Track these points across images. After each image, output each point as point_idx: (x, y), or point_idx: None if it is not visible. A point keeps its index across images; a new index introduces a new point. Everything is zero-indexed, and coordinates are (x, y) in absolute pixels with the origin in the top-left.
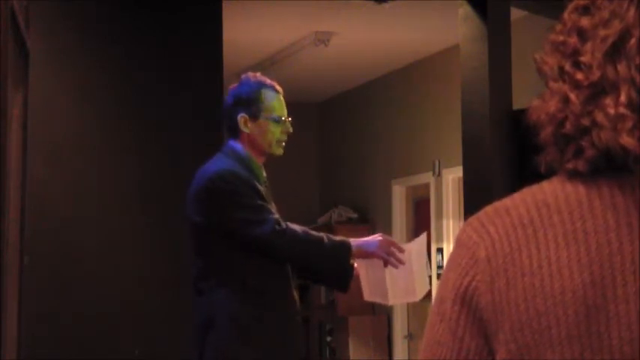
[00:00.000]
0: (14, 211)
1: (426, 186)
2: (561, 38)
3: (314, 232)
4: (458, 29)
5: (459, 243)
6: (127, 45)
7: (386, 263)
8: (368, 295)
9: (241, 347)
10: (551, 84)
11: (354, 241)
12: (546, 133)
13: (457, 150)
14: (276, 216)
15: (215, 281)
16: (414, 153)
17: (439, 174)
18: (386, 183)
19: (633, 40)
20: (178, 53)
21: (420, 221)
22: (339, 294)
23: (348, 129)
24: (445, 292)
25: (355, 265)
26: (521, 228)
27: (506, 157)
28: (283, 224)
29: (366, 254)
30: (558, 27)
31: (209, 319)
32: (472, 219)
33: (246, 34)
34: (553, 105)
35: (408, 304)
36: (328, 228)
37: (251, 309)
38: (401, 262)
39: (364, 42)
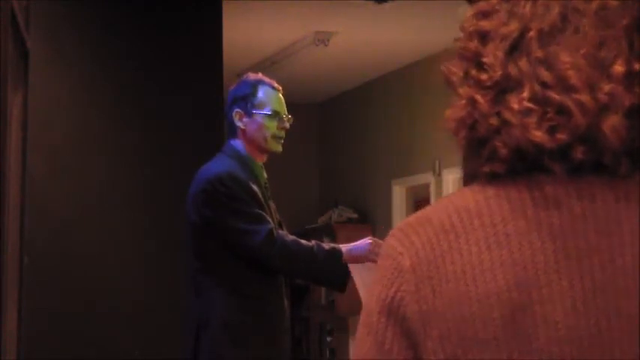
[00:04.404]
0: (14, 211)
1: (426, 186)
2: (463, 44)
3: (304, 242)
4: (458, 29)
5: (383, 255)
6: (127, 45)
7: None
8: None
9: (232, 350)
10: (459, 90)
11: (344, 247)
12: (460, 140)
13: (457, 150)
14: (271, 226)
15: (209, 283)
16: (414, 153)
17: (439, 174)
18: (386, 183)
19: (532, 34)
20: (178, 53)
21: None
22: (339, 295)
23: (348, 129)
24: (371, 304)
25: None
26: (444, 235)
27: None
28: (275, 234)
29: (356, 259)
30: (461, 35)
31: (201, 320)
32: (395, 230)
33: (246, 34)
34: (461, 110)
35: None
36: (328, 228)
37: (241, 314)
38: None
39: (364, 42)
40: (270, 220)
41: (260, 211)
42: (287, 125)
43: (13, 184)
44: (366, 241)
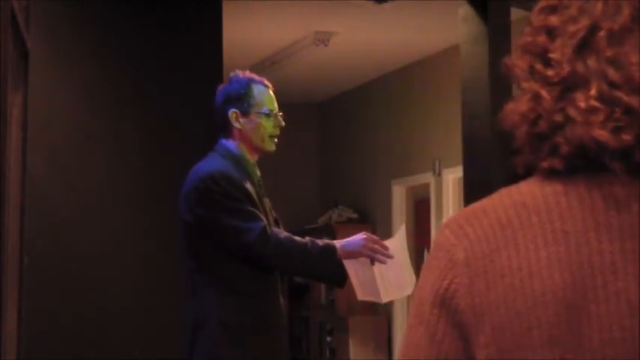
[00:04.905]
0: (14, 211)
1: (426, 186)
2: (530, 39)
3: (298, 239)
4: (458, 29)
5: (436, 245)
6: (127, 45)
7: (373, 261)
8: (361, 295)
9: (230, 350)
10: (523, 84)
11: (338, 242)
12: (521, 133)
13: (457, 150)
14: (264, 223)
15: (205, 282)
16: (414, 153)
17: (439, 174)
18: (386, 183)
19: (602, 33)
20: (178, 53)
21: (420, 221)
22: (339, 294)
23: (348, 129)
24: (424, 294)
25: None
26: (500, 229)
27: (506, 156)
28: (269, 232)
29: (350, 254)
30: (527, 29)
31: (198, 320)
32: (449, 221)
33: (246, 34)
34: (525, 104)
35: (408, 303)
36: (328, 228)
37: (238, 314)
38: (389, 256)
39: (364, 42)
40: (263, 218)
41: (253, 209)
42: (282, 123)
43: (13, 184)
44: (360, 237)
